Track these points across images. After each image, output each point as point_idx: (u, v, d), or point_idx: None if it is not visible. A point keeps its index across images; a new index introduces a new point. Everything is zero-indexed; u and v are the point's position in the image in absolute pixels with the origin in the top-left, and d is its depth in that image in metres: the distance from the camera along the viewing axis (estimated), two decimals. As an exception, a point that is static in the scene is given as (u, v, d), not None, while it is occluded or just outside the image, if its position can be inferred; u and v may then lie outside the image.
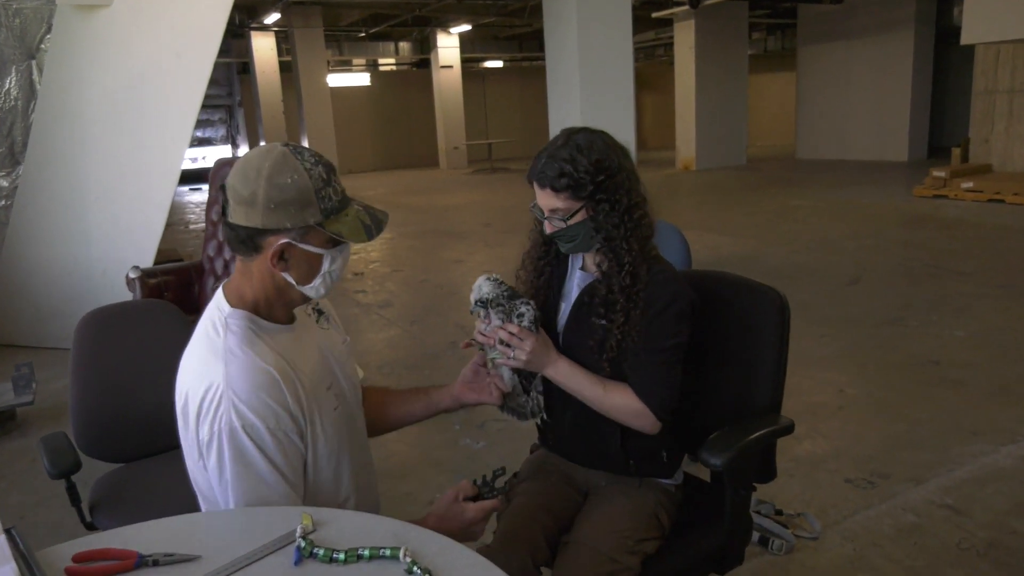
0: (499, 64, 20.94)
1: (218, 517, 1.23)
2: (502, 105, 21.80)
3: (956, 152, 11.01)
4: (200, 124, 20.76)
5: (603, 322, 1.64)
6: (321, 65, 15.47)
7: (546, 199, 1.63)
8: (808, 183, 12.09)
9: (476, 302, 1.67)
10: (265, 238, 1.27)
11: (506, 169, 17.31)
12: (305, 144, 7.13)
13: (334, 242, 1.31)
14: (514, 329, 1.65)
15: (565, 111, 6.04)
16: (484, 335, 1.67)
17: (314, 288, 1.35)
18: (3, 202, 5.21)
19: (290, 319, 1.41)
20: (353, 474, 1.47)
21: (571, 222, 1.63)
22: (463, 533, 1.41)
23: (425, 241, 9.06)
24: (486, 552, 1.63)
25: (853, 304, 5.14)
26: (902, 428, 3.32)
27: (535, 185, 1.65)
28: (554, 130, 6.10)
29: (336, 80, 17.84)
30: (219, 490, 1.26)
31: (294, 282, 1.33)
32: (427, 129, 19.48)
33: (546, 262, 1.80)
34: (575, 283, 1.77)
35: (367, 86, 20.07)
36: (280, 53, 15.87)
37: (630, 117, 6.09)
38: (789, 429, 1.67)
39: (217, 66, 19.25)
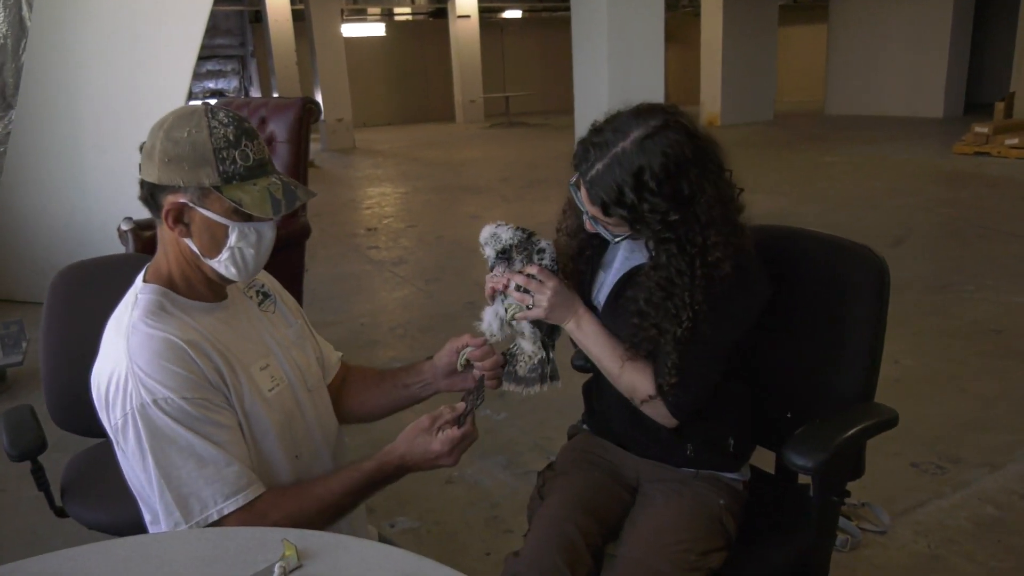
0: (518, 14, 20.26)
1: (173, 541, 0.94)
2: (521, 57, 21.17)
3: (999, 107, 10.44)
4: (212, 75, 20.31)
5: (641, 325, 1.34)
6: (335, 14, 14.93)
7: (593, 209, 1.30)
8: (839, 139, 11.59)
9: (498, 254, 1.36)
10: (164, 196, 1.16)
11: (524, 123, 16.83)
12: (319, 97, 6.88)
13: (244, 215, 1.17)
14: (533, 270, 1.35)
15: (591, 64, 5.60)
16: (495, 278, 1.39)
17: (222, 263, 1.20)
18: (-4, 149, 4.92)
19: (218, 298, 1.28)
20: (290, 461, 1.28)
21: (619, 238, 1.34)
22: (429, 464, 1.23)
23: (441, 196, 8.72)
24: (515, 563, 1.35)
25: (899, 267, 4.75)
26: (968, 405, 3.01)
27: (581, 183, 1.31)
28: (580, 87, 5.63)
29: (350, 30, 17.31)
30: (144, 479, 1.12)
31: (198, 252, 1.20)
32: (443, 81, 18.93)
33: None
34: (620, 252, 1.45)
35: (382, 36, 19.51)
36: (293, 1, 15.36)
37: (659, 72, 5.60)
38: (893, 422, 1.37)
39: (229, 15, 18.72)
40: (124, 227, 3.31)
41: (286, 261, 3.25)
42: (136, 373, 1.10)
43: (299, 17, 15.27)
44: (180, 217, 1.16)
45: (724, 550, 1.37)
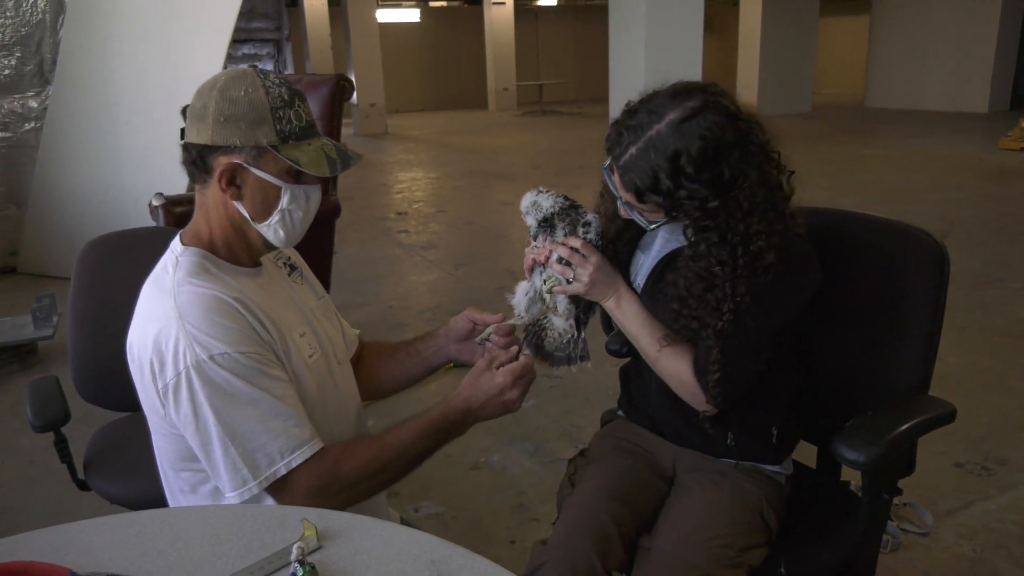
0: (553, 2, 20.10)
1: (190, 517, 0.90)
2: (555, 45, 20.99)
3: (1049, 102, 10.12)
4: (248, 59, 20.40)
5: (680, 312, 1.27)
6: (370, -1, 14.94)
7: (627, 195, 1.24)
8: (880, 132, 11.32)
9: (540, 223, 1.31)
10: (215, 157, 1.13)
11: (557, 112, 16.70)
12: (352, 79, 6.51)
13: (295, 175, 1.15)
14: (577, 243, 1.29)
15: (628, 52, 5.47)
16: (537, 250, 1.33)
17: (271, 228, 1.18)
18: (33, 124, 4.95)
19: (255, 265, 1.24)
20: (330, 437, 1.21)
21: (655, 225, 1.27)
22: (498, 404, 1.21)
23: (472, 182, 8.67)
24: (543, 551, 1.29)
25: (942, 262, 4.61)
26: (1016, 405, 2.89)
27: (614, 168, 1.24)
28: (616, 75, 5.50)
29: (385, 15, 17.29)
30: (198, 441, 1.07)
31: (248, 216, 1.16)
32: (476, 69, 18.84)
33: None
34: (660, 234, 1.38)
35: (417, 22, 19.46)
36: (328, -15, 15.37)
37: (698, 61, 5.42)
38: (950, 417, 1.29)
39: (266, -2, 18.48)
40: (155, 203, 3.30)
41: (315, 240, 3.22)
42: (188, 331, 1.06)
43: (335, 2, 15.31)
44: (233, 179, 1.13)
45: (765, 547, 1.30)
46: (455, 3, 20.11)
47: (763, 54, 14.29)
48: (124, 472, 1.78)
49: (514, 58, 17.98)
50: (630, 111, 1.23)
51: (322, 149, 1.15)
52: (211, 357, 1.05)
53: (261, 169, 1.13)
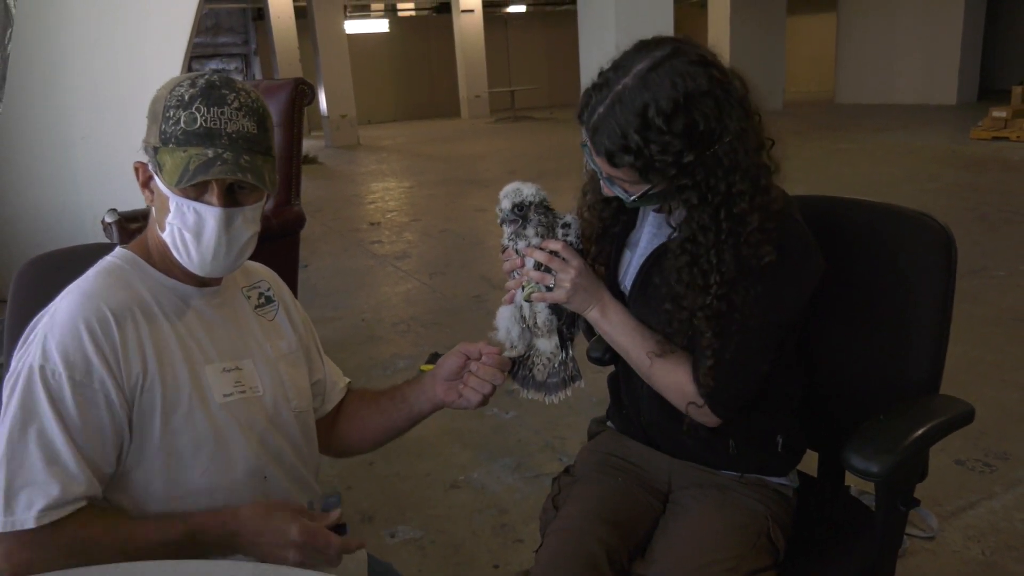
0: (522, 9, 20.06)
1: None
2: (525, 52, 20.95)
3: (1017, 91, 10.12)
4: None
5: (674, 310, 1.15)
6: (338, 10, 14.74)
7: (604, 165, 1.11)
8: (852, 127, 11.35)
9: (513, 207, 1.18)
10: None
11: (530, 118, 16.61)
12: (322, 94, 6.71)
13: (186, 188, 1.01)
14: (557, 246, 1.17)
15: (599, 56, 5.36)
16: (512, 262, 1.22)
17: (168, 244, 1.06)
18: (-17, 144, 4.75)
19: (196, 282, 1.11)
20: (248, 480, 1.08)
21: (637, 196, 1.12)
22: (271, 552, 1.01)
23: (446, 189, 8.53)
24: (527, 583, 1.16)
25: (924, 253, 4.54)
26: (1012, 397, 2.80)
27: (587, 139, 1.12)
28: (586, 79, 5.38)
29: (353, 26, 17.15)
30: None
31: (157, 224, 1.07)
32: (448, 77, 18.75)
33: (616, 207, 1.27)
34: (646, 229, 1.26)
35: (386, 32, 19.34)
36: (295, -2, 15.21)
37: None
38: (968, 417, 1.17)
39: (232, 12, 18.65)
40: (108, 219, 3.13)
41: (278, 252, 3.06)
42: (45, 333, 0.98)
43: (302, 14, 15.13)
44: (148, 181, 1.07)
45: (772, 569, 1.17)
46: (424, 12, 20.00)
47: (732, 54, 14.17)
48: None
49: (485, 65, 17.91)
50: (599, 73, 1.13)
51: (197, 159, 0.99)
52: (42, 367, 0.96)
53: (159, 176, 1.04)
